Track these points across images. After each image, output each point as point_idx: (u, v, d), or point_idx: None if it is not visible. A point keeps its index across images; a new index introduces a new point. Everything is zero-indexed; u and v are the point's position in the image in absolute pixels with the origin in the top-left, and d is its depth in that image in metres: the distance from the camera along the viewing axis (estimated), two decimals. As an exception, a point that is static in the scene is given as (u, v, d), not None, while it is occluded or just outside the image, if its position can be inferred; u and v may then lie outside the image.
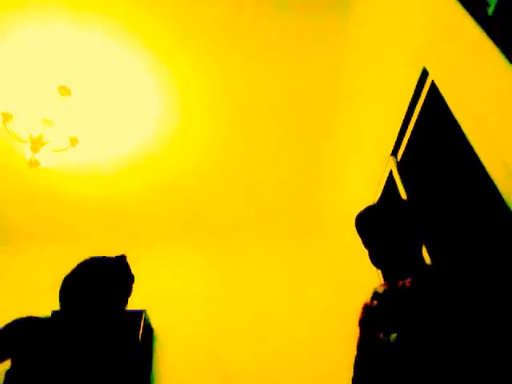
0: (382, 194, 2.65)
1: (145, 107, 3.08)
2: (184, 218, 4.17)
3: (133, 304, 3.72)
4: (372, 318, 1.23)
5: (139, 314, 3.54)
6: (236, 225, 4.29)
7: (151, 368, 3.50)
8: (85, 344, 1.22)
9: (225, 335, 3.68)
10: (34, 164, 2.71)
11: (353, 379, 1.27)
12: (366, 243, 1.33)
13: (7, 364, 3.25)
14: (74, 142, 2.94)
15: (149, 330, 3.61)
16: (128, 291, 1.35)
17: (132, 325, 3.46)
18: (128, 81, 2.89)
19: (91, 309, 1.26)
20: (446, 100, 1.80)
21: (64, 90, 2.88)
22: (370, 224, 1.32)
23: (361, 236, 1.36)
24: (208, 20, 2.55)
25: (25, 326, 1.17)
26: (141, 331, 3.35)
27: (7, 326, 1.17)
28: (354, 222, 3.24)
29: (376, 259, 1.28)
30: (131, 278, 1.38)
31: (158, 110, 3.10)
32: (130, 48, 2.68)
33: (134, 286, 3.87)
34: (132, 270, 4.10)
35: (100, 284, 1.28)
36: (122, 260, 1.37)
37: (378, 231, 1.28)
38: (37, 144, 2.70)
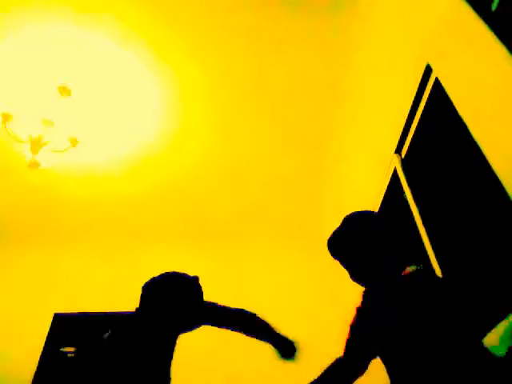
0: (386, 192, 2.64)
1: (146, 108, 3.06)
2: (185, 218, 4.16)
3: (135, 305, 3.70)
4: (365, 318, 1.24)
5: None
6: (238, 225, 4.28)
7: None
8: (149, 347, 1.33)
9: (226, 335, 3.67)
10: (33, 165, 2.68)
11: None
12: (344, 265, 1.33)
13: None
14: (74, 142, 2.92)
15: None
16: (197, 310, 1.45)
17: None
18: (129, 81, 2.87)
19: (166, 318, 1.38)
20: (450, 96, 1.79)
21: (64, 90, 2.86)
22: (340, 248, 1.32)
23: (336, 259, 1.36)
24: (210, 19, 2.54)
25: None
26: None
27: None
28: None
29: (357, 278, 1.29)
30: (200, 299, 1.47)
31: (159, 110, 3.08)
32: (131, 48, 2.67)
33: (137, 285, 3.86)
34: (134, 270, 4.09)
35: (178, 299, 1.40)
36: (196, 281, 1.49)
37: (351, 253, 1.29)
38: (36, 145, 2.67)
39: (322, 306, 3.88)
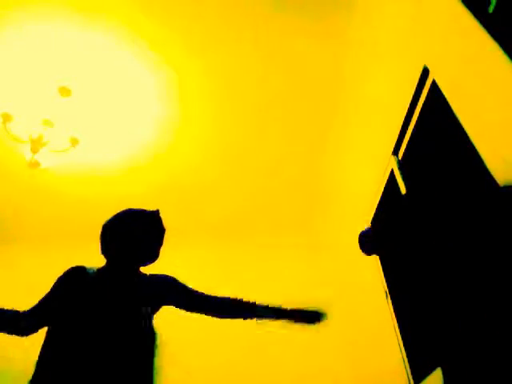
0: (384, 194, 2.64)
1: (145, 107, 3.07)
2: (185, 217, 4.17)
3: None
4: None
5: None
6: (238, 223, 4.29)
7: (153, 369, 3.48)
8: (121, 297, 1.34)
9: (227, 335, 3.67)
10: (33, 165, 2.70)
11: None
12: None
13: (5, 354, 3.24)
14: (74, 142, 2.94)
15: (149, 331, 3.59)
16: (160, 240, 1.49)
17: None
18: (128, 81, 2.88)
19: (129, 254, 1.40)
20: (447, 98, 1.79)
21: (64, 91, 2.87)
22: None
23: None
24: (209, 20, 2.55)
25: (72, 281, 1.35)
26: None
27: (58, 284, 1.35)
28: (355, 222, 3.23)
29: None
30: (163, 230, 1.51)
31: (158, 110, 3.09)
32: (130, 48, 2.68)
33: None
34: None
35: (139, 232, 1.43)
36: (156, 213, 1.52)
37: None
38: (37, 145, 2.69)
39: (322, 303, 3.88)
